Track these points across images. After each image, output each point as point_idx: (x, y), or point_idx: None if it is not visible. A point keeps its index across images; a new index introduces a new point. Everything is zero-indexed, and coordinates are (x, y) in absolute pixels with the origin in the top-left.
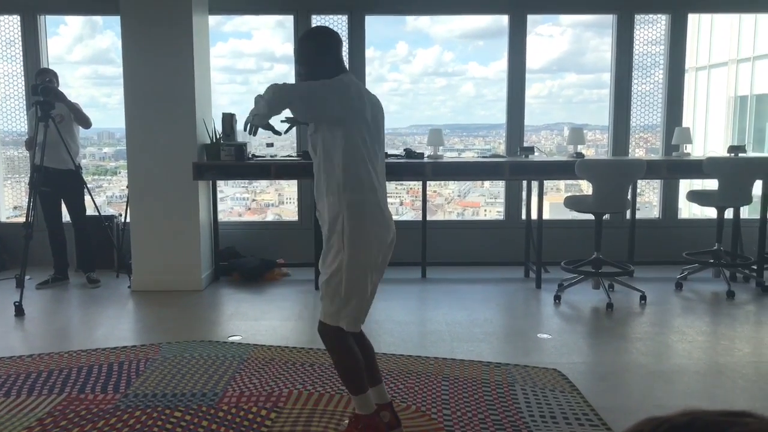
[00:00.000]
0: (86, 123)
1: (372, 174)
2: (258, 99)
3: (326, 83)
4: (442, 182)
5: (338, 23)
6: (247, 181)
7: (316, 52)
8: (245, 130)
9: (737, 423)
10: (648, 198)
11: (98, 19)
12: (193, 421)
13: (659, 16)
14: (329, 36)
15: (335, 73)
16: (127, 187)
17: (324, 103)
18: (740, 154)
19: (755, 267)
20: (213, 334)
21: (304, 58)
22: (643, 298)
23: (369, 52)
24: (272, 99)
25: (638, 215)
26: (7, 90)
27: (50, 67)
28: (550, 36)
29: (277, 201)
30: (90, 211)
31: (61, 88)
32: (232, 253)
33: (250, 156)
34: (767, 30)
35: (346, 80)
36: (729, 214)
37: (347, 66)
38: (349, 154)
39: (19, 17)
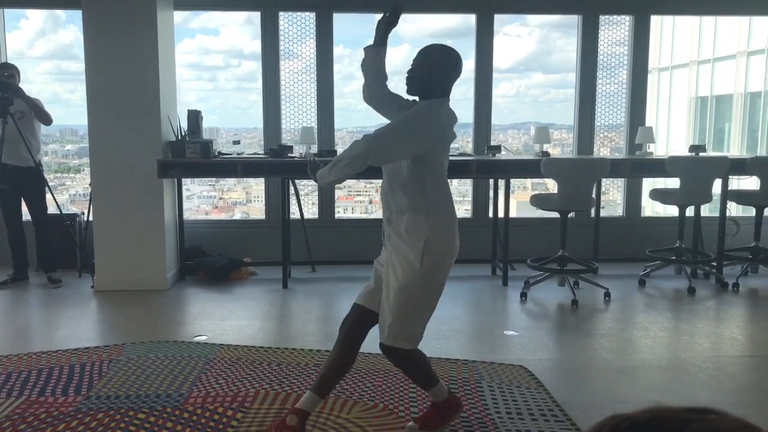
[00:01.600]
0: (47, 119)
1: (451, 196)
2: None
3: (411, 125)
4: None
5: (306, 20)
6: (214, 179)
7: (448, 73)
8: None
9: (699, 420)
10: (612, 196)
11: (61, 13)
12: (157, 422)
13: (623, 17)
14: (460, 65)
15: (442, 94)
16: (90, 185)
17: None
18: (701, 154)
19: (715, 264)
20: (178, 334)
21: (435, 69)
22: (607, 294)
23: (338, 50)
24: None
25: (602, 213)
26: None
27: (10, 62)
28: (517, 36)
29: (244, 199)
30: (52, 209)
31: (22, 84)
32: (197, 252)
33: (216, 154)
34: (727, 32)
35: (437, 114)
36: (690, 212)
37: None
38: (438, 177)
39: None
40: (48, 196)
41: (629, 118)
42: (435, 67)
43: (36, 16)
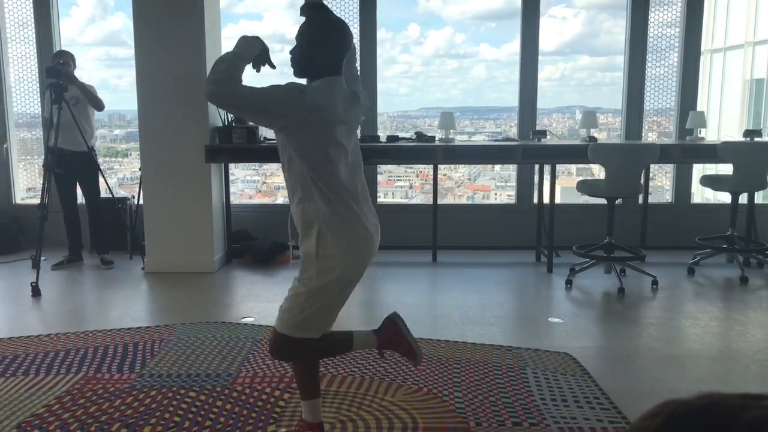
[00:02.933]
0: (99, 105)
1: (352, 194)
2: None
3: (286, 87)
4: (452, 165)
5: (349, 4)
6: (257, 163)
7: (331, 44)
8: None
9: (755, 405)
10: (660, 182)
11: (110, 0)
12: (207, 401)
13: None
14: (348, 35)
15: (330, 72)
16: (139, 169)
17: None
18: (756, 139)
19: None
20: (226, 315)
21: (310, 42)
22: (654, 282)
23: (380, 34)
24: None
25: (650, 200)
26: (20, 72)
27: (65, 49)
28: (563, 18)
29: None
30: (103, 193)
31: (75, 71)
32: (243, 236)
33: (261, 139)
34: None
35: (329, 90)
36: (743, 199)
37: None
38: (324, 168)
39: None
40: (101, 180)
41: (680, 102)
42: (318, 41)
43: (86, 3)
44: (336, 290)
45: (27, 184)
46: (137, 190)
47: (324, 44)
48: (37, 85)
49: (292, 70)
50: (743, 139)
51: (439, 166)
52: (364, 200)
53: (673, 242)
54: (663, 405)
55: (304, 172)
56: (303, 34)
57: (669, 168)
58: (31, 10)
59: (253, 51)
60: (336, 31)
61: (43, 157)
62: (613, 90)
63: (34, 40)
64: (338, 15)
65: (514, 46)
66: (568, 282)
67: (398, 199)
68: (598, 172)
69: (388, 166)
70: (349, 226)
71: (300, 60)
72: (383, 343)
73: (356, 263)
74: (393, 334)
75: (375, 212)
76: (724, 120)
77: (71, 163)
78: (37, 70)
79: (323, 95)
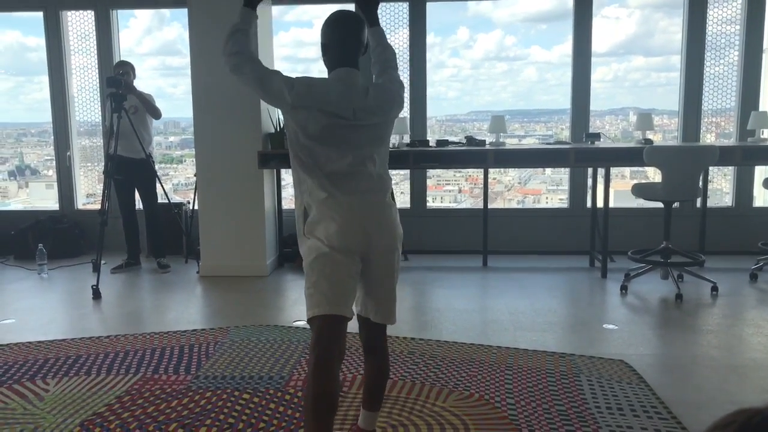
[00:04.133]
0: (156, 113)
1: (326, 186)
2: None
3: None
4: (502, 169)
5: (399, 11)
6: None
7: (324, 38)
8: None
9: None
10: (718, 185)
11: (166, 11)
12: (261, 403)
13: None
14: (334, 23)
15: (336, 65)
16: (195, 175)
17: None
18: None
19: None
20: (279, 318)
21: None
22: (714, 289)
23: (429, 38)
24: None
25: (709, 203)
26: (82, 82)
27: (125, 60)
28: (616, 18)
29: None
30: (160, 198)
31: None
32: (295, 240)
33: None
34: None
35: (323, 78)
36: None
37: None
38: (302, 157)
39: (93, 12)
40: (158, 186)
41: (740, 102)
42: (322, 36)
43: (143, 15)
44: (319, 265)
45: (87, 190)
46: (192, 195)
47: (322, 39)
48: (98, 94)
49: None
50: None
51: (489, 170)
52: (349, 185)
53: (734, 247)
54: (736, 414)
55: (294, 158)
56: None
57: (729, 170)
58: (93, 23)
59: (252, 22)
60: (324, 27)
61: (103, 164)
62: (669, 91)
63: (95, 51)
64: (387, 20)
65: (566, 48)
66: (623, 288)
67: (447, 204)
68: (653, 175)
69: (438, 170)
70: (325, 204)
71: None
72: None
73: (335, 235)
74: None
75: (376, 188)
76: None
77: (130, 170)
78: (97, 79)
79: (308, 85)
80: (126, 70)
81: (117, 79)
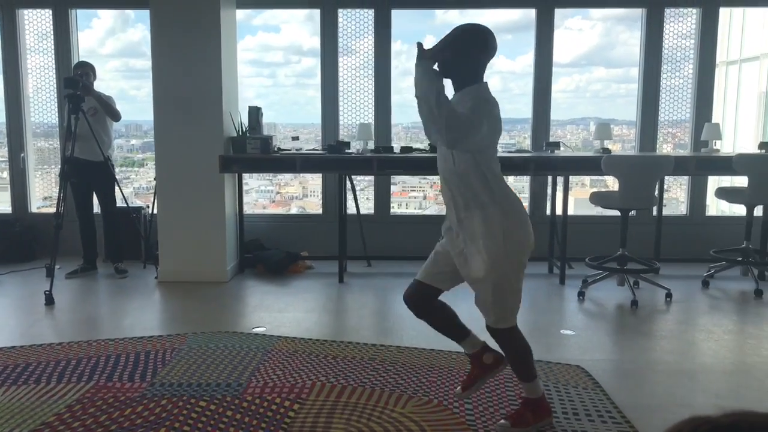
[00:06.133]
0: (116, 116)
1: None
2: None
3: (483, 109)
4: None
5: (364, 17)
6: (271, 173)
7: (474, 53)
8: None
9: None
10: (674, 194)
11: (130, 12)
12: (217, 410)
13: (690, 9)
14: (492, 41)
15: (478, 79)
16: (154, 179)
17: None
18: None
19: None
20: (238, 325)
21: (458, 50)
22: (668, 295)
23: (396, 46)
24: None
25: (665, 212)
26: (39, 82)
27: (85, 60)
28: (579, 30)
29: (301, 194)
30: (118, 202)
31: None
32: (256, 246)
33: (275, 149)
34: None
35: (491, 97)
36: (758, 211)
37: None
38: (496, 166)
39: (51, 11)
40: (116, 189)
41: (695, 114)
42: (462, 49)
43: (107, 15)
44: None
45: (43, 193)
46: (152, 199)
47: (473, 51)
48: (55, 95)
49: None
50: (759, 152)
51: None
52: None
53: (688, 255)
54: (687, 422)
55: (480, 177)
56: (453, 39)
57: (684, 180)
58: (51, 22)
59: (434, 81)
60: (483, 39)
61: (59, 166)
62: (628, 102)
63: (53, 51)
64: (353, 27)
65: (529, 58)
66: (581, 294)
67: (412, 210)
68: (612, 183)
69: (403, 177)
70: None
71: (446, 62)
72: (536, 404)
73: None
74: (544, 412)
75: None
76: (739, 132)
77: (88, 173)
78: (55, 80)
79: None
80: (85, 71)
81: (75, 80)
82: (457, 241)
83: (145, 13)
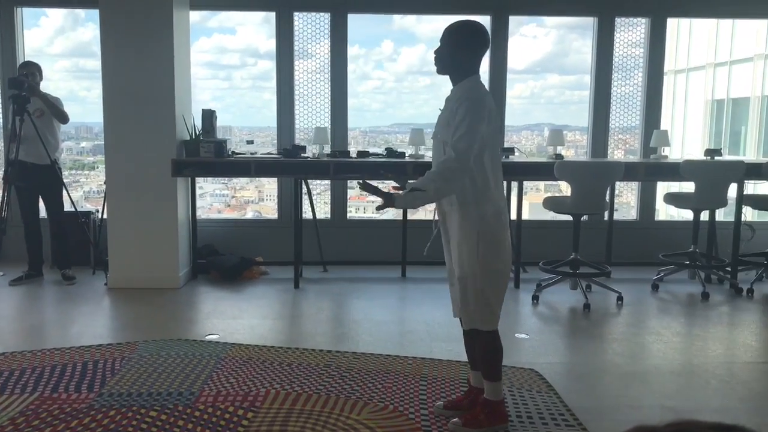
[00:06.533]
0: (63, 118)
1: (500, 182)
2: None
3: (478, 113)
4: None
5: (321, 20)
6: (226, 177)
7: (471, 49)
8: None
9: None
10: (626, 199)
11: (81, 11)
12: (168, 420)
13: (639, 19)
14: (485, 34)
15: (473, 71)
16: (104, 182)
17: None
18: (716, 158)
19: (729, 269)
20: (190, 332)
21: (453, 46)
22: (619, 298)
23: (354, 50)
24: (444, 186)
25: (616, 216)
26: None
27: (31, 60)
28: (534, 37)
29: (257, 198)
30: (67, 206)
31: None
32: (210, 251)
33: (230, 153)
34: (744, 35)
35: (484, 91)
36: (705, 216)
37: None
38: (480, 164)
39: None
40: (64, 193)
41: (644, 121)
42: (458, 44)
43: (56, 14)
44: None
45: None
46: (102, 203)
47: (467, 45)
48: None
49: (436, 68)
50: (704, 158)
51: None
52: None
53: (638, 258)
54: (633, 430)
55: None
56: (448, 35)
57: (634, 185)
58: None
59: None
60: (474, 32)
61: (2, 169)
62: (581, 108)
63: None
64: (309, 31)
65: (484, 65)
66: (535, 298)
67: (370, 215)
68: (566, 189)
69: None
70: None
71: (443, 57)
72: (494, 408)
73: None
74: (500, 418)
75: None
76: (687, 139)
77: (33, 176)
78: None
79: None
80: (31, 71)
81: (20, 80)
82: (444, 232)
83: (96, 12)
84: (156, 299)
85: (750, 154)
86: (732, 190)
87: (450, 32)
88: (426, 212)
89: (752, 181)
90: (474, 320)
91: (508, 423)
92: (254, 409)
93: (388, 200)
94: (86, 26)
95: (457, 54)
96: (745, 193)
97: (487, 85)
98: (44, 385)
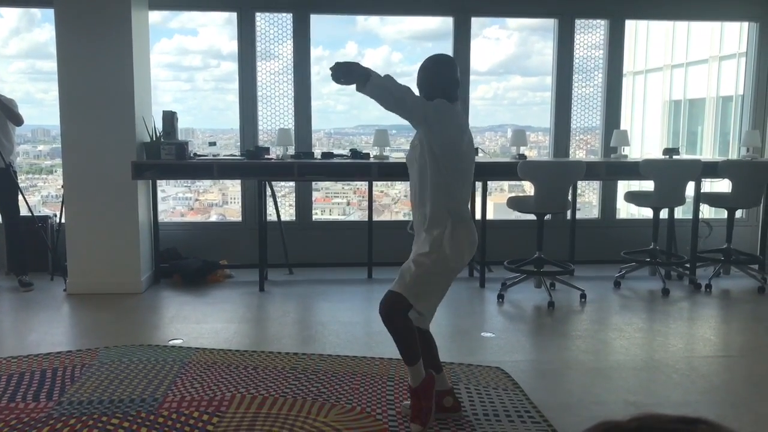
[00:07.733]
0: (17, 120)
1: (467, 201)
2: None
3: (443, 111)
4: (389, 182)
5: (283, 21)
6: (190, 180)
7: (439, 78)
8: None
9: (688, 431)
10: (588, 198)
11: (37, 11)
12: (131, 428)
13: (599, 21)
14: (447, 69)
15: (446, 98)
16: (62, 186)
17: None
18: (674, 157)
19: (688, 265)
20: (153, 337)
21: (427, 75)
22: (583, 296)
23: (317, 51)
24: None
25: (578, 215)
26: None
27: None
28: (497, 39)
29: (221, 201)
30: (23, 211)
31: None
32: (173, 255)
33: (191, 155)
34: (699, 37)
35: (456, 109)
36: (664, 214)
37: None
38: (455, 181)
39: None
40: (20, 198)
41: (604, 121)
42: (426, 73)
43: (10, 14)
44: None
45: None
46: (61, 208)
47: (434, 74)
48: None
49: None
50: (663, 157)
51: (375, 182)
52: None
53: (600, 256)
54: (596, 427)
55: (443, 187)
56: (422, 65)
57: (596, 184)
58: None
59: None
60: (442, 63)
61: None
62: (544, 109)
63: None
64: (272, 31)
65: None
66: (500, 297)
67: (336, 216)
68: (530, 188)
69: (326, 183)
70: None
71: (419, 85)
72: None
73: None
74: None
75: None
76: (646, 138)
77: None
78: None
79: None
80: None
81: None
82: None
83: (52, 12)
84: (117, 305)
85: (706, 153)
86: (690, 188)
87: (425, 66)
88: (392, 214)
89: (709, 180)
90: (400, 284)
91: (437, 399)
92: (219, 413)
93: (364, 75)
94: (42, 27)
95: (427, 81)
96: (702, 191)
97: None
98: (1, 394)
